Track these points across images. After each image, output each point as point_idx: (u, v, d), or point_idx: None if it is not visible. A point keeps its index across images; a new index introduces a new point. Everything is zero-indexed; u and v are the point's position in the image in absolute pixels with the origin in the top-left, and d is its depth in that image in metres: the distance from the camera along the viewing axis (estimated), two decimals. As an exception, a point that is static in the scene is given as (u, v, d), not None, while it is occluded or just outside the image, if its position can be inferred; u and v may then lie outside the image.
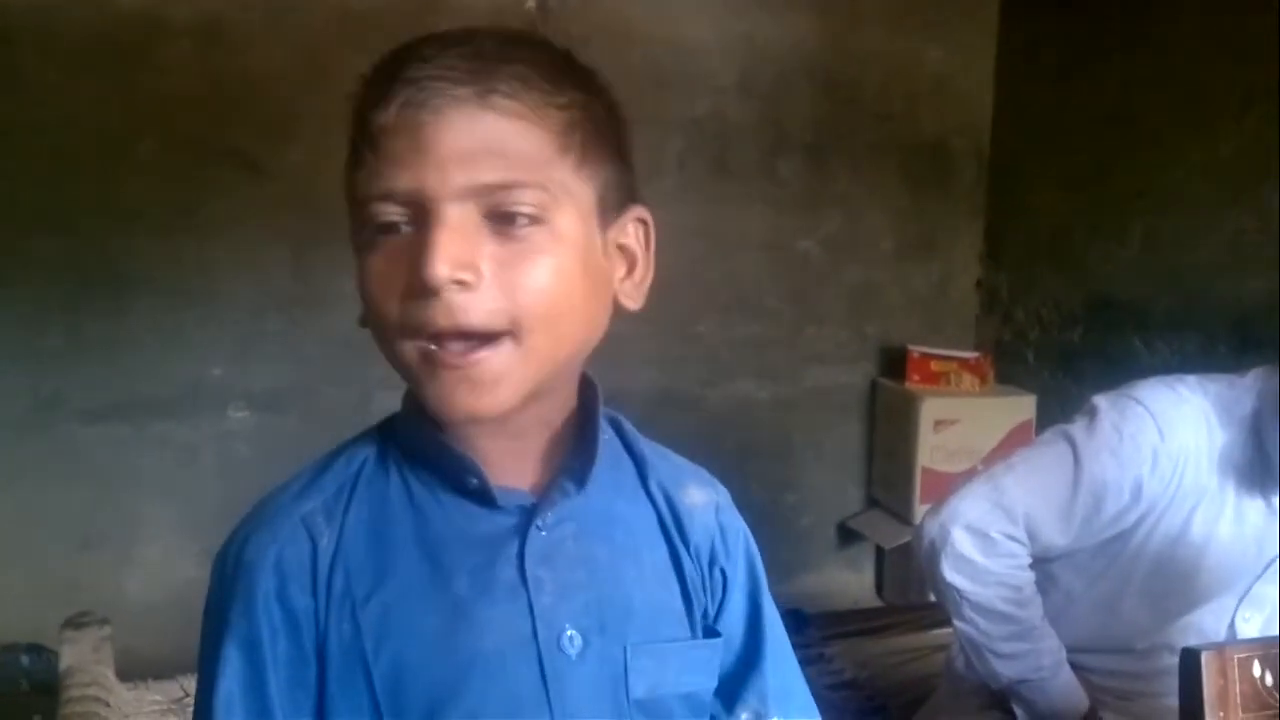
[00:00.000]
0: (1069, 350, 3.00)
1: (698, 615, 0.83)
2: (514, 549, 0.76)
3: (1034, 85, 3.11)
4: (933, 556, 1.48)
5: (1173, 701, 1.19)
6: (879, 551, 3.28)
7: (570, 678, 0.75)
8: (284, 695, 0.73)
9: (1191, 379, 1.49)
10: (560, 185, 0.71)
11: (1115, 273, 2.82)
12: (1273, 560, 1.45)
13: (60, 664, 1.56)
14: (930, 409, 3.00)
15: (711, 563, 0.84)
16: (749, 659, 0.85)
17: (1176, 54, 2.62)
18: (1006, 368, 3.18)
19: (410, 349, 0.71)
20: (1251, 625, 1.48)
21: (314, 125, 2.51)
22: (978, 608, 1.47)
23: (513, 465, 0.78)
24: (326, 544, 0.74)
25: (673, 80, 2.94)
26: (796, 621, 2.95)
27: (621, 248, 0.78)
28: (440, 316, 0.68)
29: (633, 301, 0.79)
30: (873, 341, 3.26)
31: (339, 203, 0.76)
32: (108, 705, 1.48)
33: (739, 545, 0.87)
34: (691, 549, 0.83)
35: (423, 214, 0.69)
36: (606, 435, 0.82)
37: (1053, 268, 3.04)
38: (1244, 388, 1.46)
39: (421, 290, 0.68)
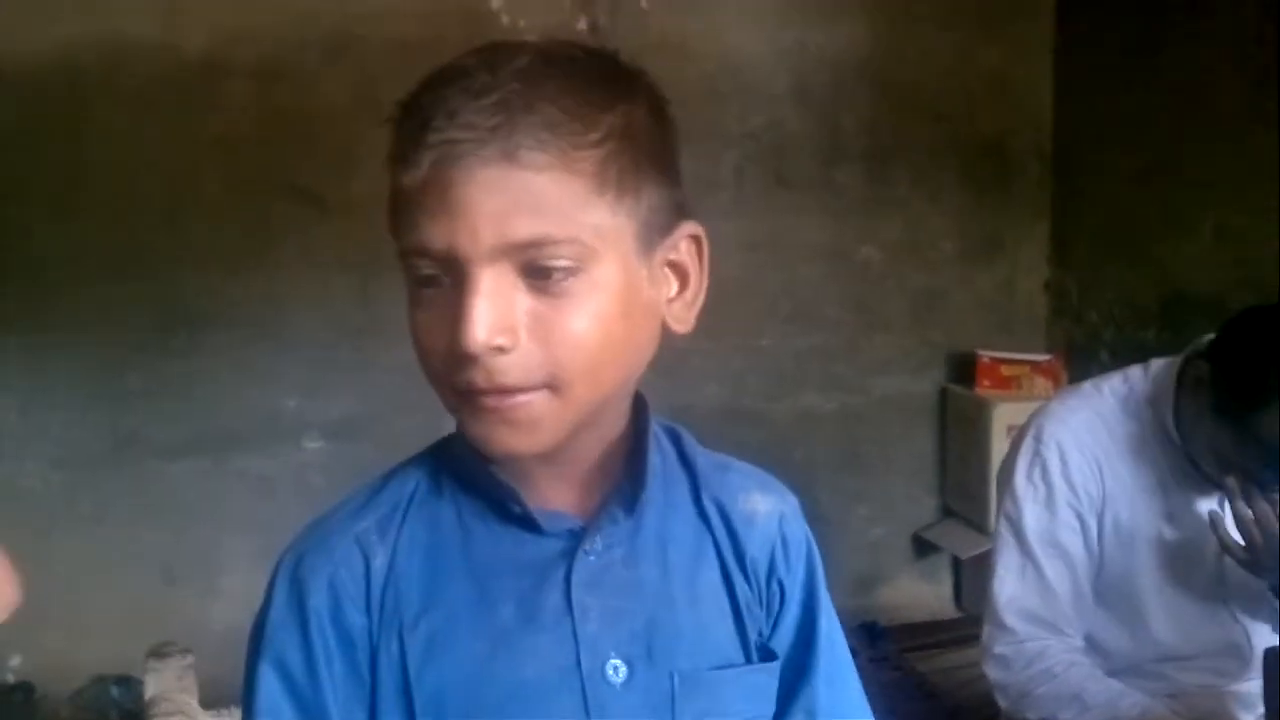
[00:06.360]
0: (1145, 349, 2.90)
1: (752, 638, 0.81)
2: (560, 574, 0.75)
3: (1094, 78, 3.04)
4: (1003, 697, 1.51)
5: None
6: (955, 562, 3.22)
7: (614, 708, 0.74)
8: (342, 713, 0.74)
9: (1088, 384, 1.58)
10: (595, 231, 0.69)
11: (1188, 267, 2.74)
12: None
13: (145, 693, 1.60)
14: (1003, 414, 2.94)
15: (770, 575, 0.82)
16: (799, 673, 0.82)
17: (1242, 39, 2.55)
18: (1080, 369, 3.10)
19: (450, 392, 0.72)
20: None
21: (376, 158, 2.46)
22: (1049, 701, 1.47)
23: (560, 489, 0.77)
24: (380, 562, 0.75)
25: (727, 93, 2.94)
26: (872, 635, 2.92)
27: (673, 264, 0.76)
28: (479, 379, 0.69)
29: (681, 324, 0.76)
30: (939, 348, 3.20)
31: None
32: (192, 732, 1.51)
33: (800, 557, 0.84)
34: (748, 563, 0.81)
35: (458, 272, 0.68)
36: (662, 452, 0.80)
37: (1123, 265, 2.97)
38: (1138, 379, 1.54)
39: (461, 355, 0.68)
